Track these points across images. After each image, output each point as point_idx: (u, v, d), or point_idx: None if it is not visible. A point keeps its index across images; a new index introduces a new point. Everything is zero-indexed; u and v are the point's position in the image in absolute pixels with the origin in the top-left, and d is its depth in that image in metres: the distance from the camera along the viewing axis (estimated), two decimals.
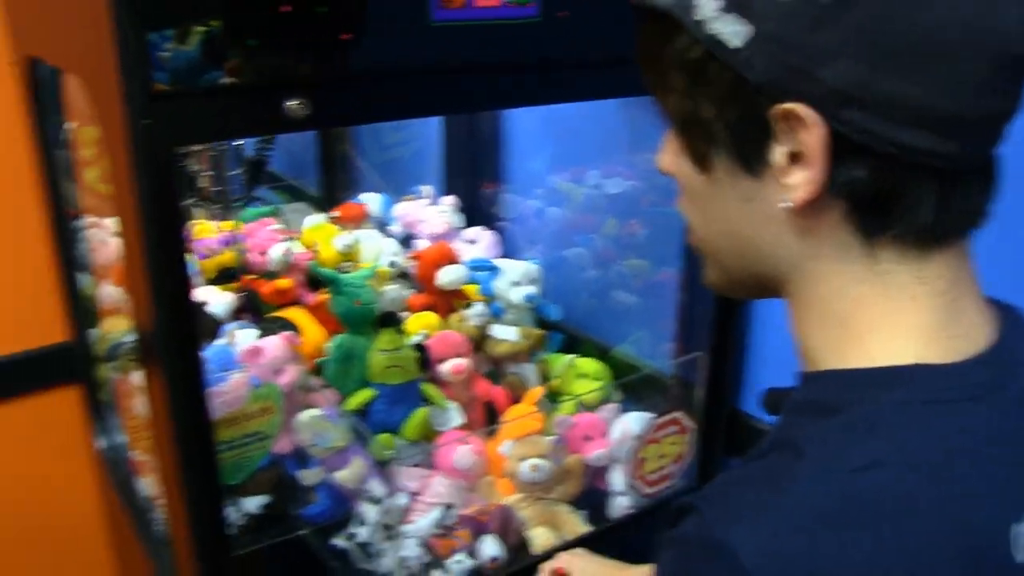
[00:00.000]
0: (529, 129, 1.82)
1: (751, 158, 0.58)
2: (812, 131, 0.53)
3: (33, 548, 1.67)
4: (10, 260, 1.49)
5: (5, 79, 1.42)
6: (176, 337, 0.84)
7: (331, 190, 2.22)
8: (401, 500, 1.22)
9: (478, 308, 1.50)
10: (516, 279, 1.54)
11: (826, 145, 0.53)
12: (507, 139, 1.86)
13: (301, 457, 1.35)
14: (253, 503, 1.33)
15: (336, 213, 1.81)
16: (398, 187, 2.01)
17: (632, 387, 1.49)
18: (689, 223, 0.68)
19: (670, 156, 0.66)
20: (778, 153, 0.56)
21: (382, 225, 1.81)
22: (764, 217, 0.59)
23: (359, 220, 1.82)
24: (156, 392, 0.89)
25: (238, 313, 1.49)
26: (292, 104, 0.84)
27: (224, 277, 1.51)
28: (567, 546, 1.24)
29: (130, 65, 0.76)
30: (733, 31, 0.54)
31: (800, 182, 0.55)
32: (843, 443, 0.53)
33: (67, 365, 1.54)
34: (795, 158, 0.56)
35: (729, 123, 0.57)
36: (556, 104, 1.04)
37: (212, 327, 1.38)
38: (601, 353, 1.58)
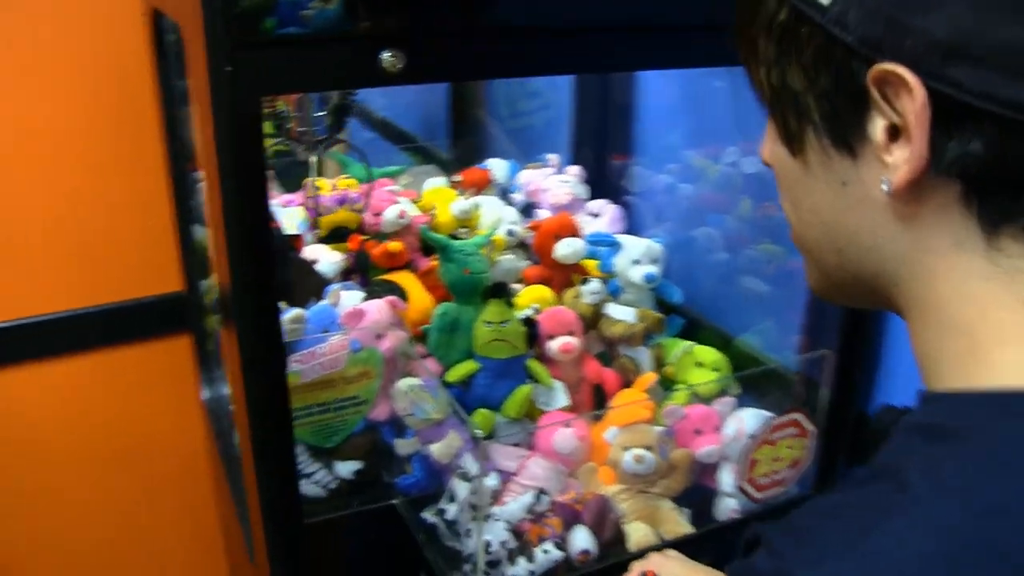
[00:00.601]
0: (665, 100, 1.72)
1: (845, 133, 0.50)
2: (912, 95, 0.45)
3: (143, 489, 1.71)
4: (134, 209, 1.52)
5: (139, 31, 1.43)
6: (250, 294, 0.81)
7: (461, 154, 2.18)
8: (491, 480, 1.17)
9: (594, 285, 1.43)
10: (636, 257, 1.46)
11: (929, 112, 0.45)
12: (640, 110, 1.77)
13: (398, 426, 1.32)
14: (346, 468, 1.31)
15: (458, 177, 1.77)
16: (527, 154, 1.95)
17: (752, 381, 1.38)
18: (787, 217, 0.60)
19: (770, 144, 0.58)
20: (877, 126, 0.48)
21: (505, 192, 1.75)
22: (862, 204, 0.51)
23: (482, 186, 1.78)
24: (232, 351, 0.86)
25: (348, 274, 1.47)
26: (387, 57, 0.79)
27: (337, 236, 1.48)
28: (666, 545, 1.16)
29: (215, 12, 0.73)
30: None
31: (901, 160, 0.47)
32: (958, 479, 0.44)
33: (180, 314, 1.57)
34: (896, 132, 0.47)
35: (820, 94, 0.50)
36: (662, 69, 0.95)
37: (317, 286, 1.35)
38: (723, 342, 1.47)
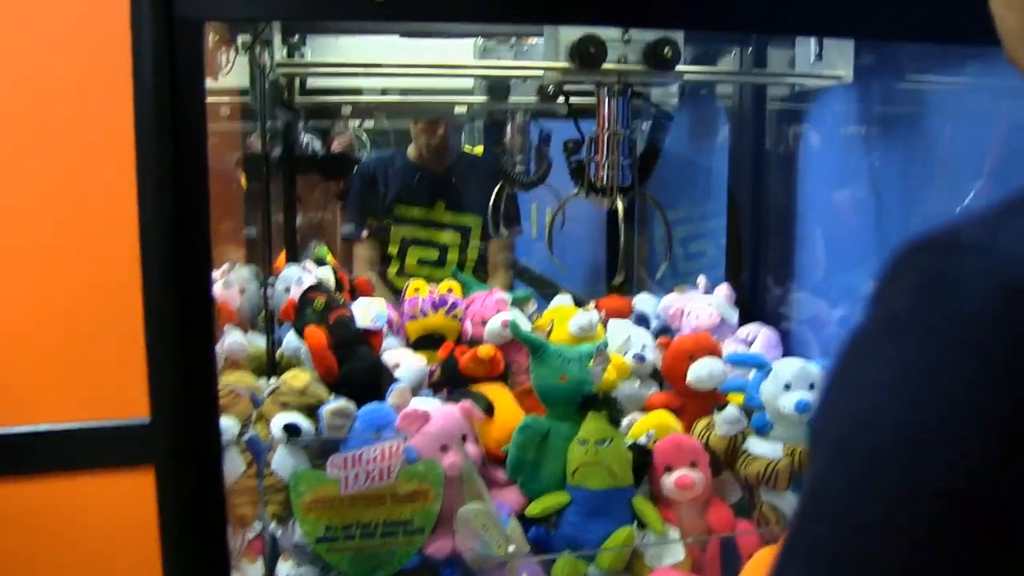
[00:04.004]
0: (846, 218, 1.42)
1: None
2: None
3: None
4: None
5: None
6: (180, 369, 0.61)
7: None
8: None
9: (731, 412, 1.13)
10: (788, 380, 1.14)
11: None
12: (808, 229, 1.47)
13: (464, 570, 1.04)
14: None
15: (592, 304, 1.52)
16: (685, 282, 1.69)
17: None
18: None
19: None
20: None
21: (643, 320, 1.49)
22: None
23: (623, 315, 1.53)
24: None
25: (437, 388, 1.24)
26: None
27: (429, 344, 1.27)
28: None
29: None
30: None
31: None
32: None
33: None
34: None
35: None
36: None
37: (384, 381, 1.14)
38: None
